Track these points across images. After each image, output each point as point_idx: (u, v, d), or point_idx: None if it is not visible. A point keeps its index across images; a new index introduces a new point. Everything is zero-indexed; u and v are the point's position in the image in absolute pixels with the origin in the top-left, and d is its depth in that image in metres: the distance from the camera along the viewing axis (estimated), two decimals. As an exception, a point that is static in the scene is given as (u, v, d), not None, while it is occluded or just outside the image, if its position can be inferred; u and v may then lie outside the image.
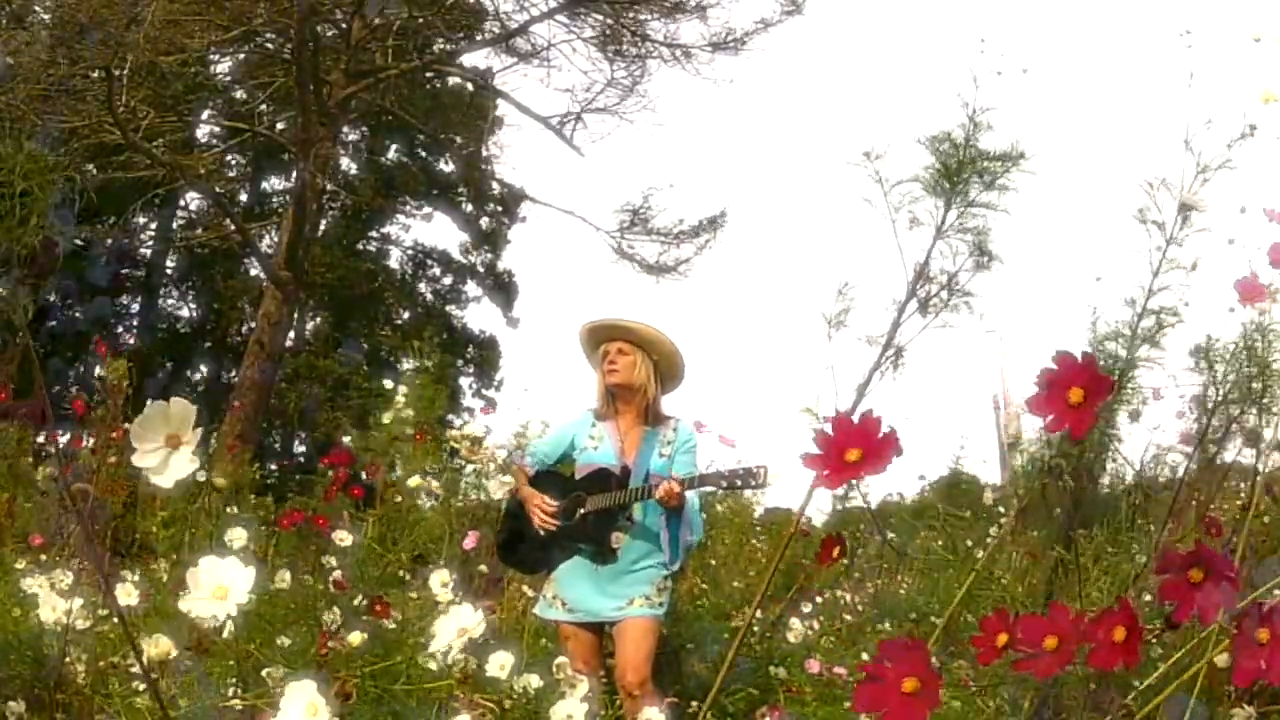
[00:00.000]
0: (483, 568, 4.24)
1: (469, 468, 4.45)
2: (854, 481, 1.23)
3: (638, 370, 3.46)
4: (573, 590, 3.34)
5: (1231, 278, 1.86)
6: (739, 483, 3.23)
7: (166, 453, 1.13)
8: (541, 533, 3.40)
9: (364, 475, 4.97)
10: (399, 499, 4.44)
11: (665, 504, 3.22)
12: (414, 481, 4.23)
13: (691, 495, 3.34)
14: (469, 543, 3.97)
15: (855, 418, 1.26)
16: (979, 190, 2.30)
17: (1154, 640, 1.73)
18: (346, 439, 5.93)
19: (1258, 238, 1.86)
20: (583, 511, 3.38)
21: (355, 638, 2.23)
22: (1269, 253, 1.79)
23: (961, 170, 2.24)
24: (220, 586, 1.30)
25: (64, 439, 5.13)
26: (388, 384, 5.68)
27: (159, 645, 1.74)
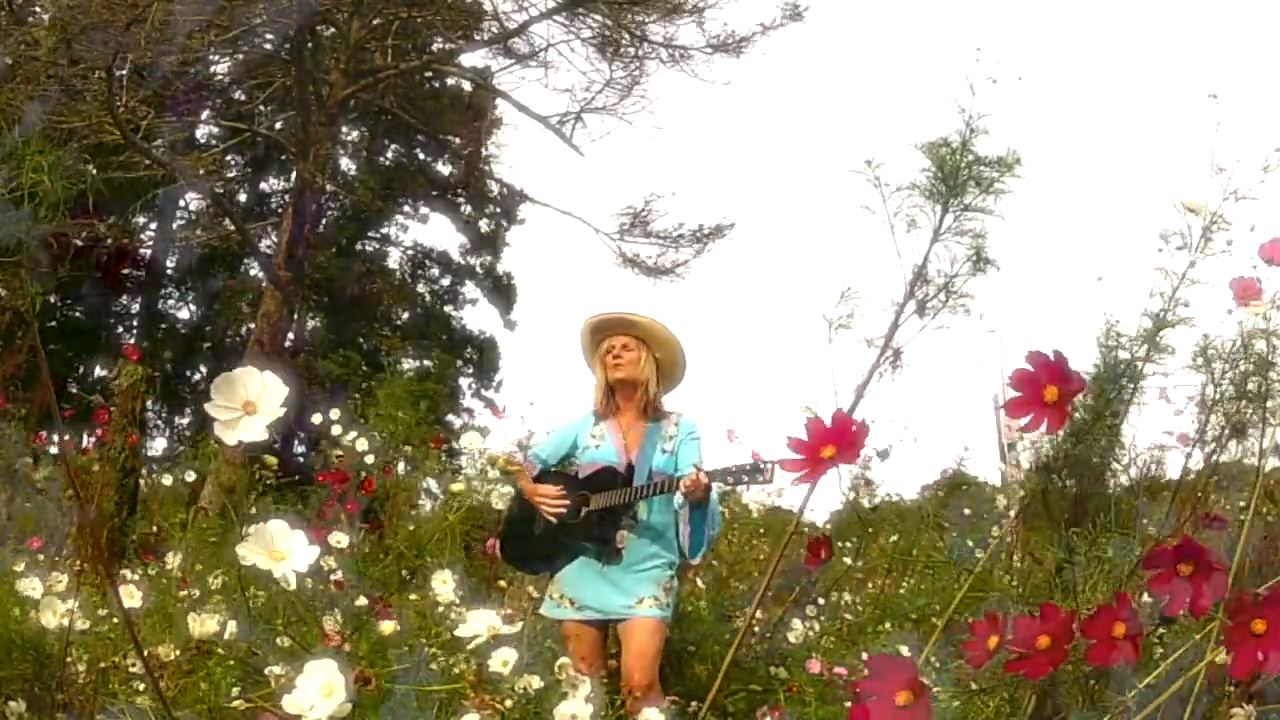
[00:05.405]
0: (503, 583, 4.23)
1: (477, 470, 4.41)
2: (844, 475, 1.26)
3: (641, 366, 3.43)
4: (580, 588, 3.31)
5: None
6: (745, 479, 3.19)
7: (239, 415, 1.13)
8: (553, 521, 3.36)
9: (361, 489, 4.98)
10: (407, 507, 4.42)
11: (691, 495, 3.17)
12: (456, 487, 4.21)
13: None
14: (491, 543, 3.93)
15: (856, 418, 1.28)
16: (975, 195, 2.30)
17: (1156, 640, 1.73)
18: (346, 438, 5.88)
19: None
20: (587, 510, 3.35)
21: (387, 626, 2.22)
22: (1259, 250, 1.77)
23: (958, 175, 2.25)
24: (279, 550, 1.31)
25: (64, 439, 5.11)
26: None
27: (205, 625, 1.73)
